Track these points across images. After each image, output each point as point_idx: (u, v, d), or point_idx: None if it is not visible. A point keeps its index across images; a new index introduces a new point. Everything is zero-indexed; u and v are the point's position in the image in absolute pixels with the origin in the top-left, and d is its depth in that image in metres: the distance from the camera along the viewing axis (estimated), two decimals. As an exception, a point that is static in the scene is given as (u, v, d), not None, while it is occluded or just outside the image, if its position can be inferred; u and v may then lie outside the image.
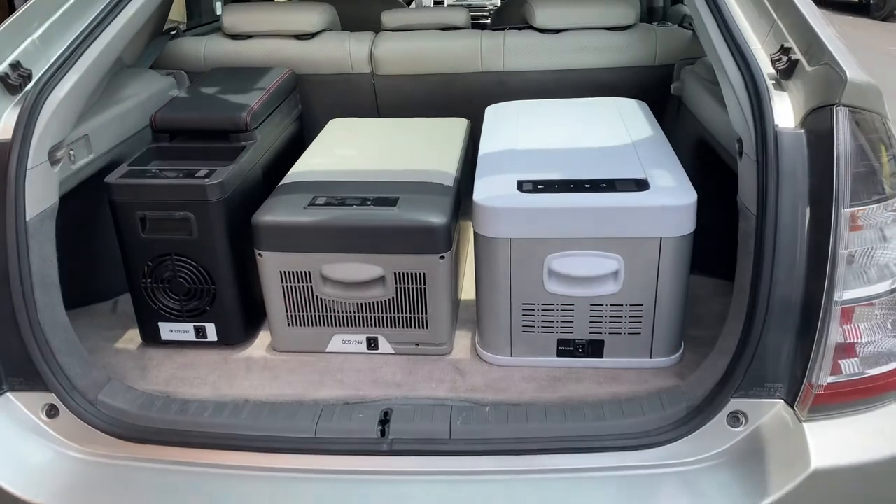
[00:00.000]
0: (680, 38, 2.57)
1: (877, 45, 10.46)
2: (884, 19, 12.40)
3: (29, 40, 1.70)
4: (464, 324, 2.00)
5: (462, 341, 1.93)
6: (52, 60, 1.69)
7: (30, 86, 1.64)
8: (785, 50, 1.53)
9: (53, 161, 1.68)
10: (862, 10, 12.92)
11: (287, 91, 2.39)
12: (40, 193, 1.62)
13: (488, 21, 3.95)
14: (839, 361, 1.43)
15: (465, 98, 2.61)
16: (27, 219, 1.57)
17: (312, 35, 2.66)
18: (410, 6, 4.47)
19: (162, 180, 1.79)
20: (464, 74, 2.61)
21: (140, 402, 1.66)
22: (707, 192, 1.68)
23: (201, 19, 4.12)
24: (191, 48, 2.68)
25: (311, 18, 2.64)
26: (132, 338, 1.99)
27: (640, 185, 1.70)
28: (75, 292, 1.71)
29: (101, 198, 2.07)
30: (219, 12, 3.96)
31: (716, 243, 1.94)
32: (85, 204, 2.04)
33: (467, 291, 2.14)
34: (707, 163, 2.07)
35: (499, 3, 5.02)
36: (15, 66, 1.64)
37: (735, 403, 1.49)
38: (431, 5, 4.94)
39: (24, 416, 1.61)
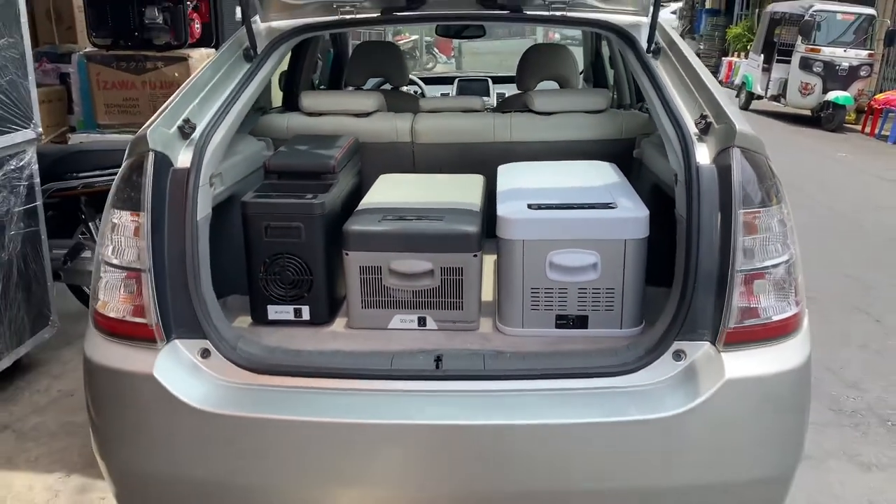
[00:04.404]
0: (639, 119, 3.47)
1: (827, 152, 11.89)
2: (833, 130, 13.88)
3: (192, 104, 2.51)
4: (485, 310, 2.73)
5: (485, 321, 2.65)
6: (205, 120, 2.49)
7: (196, 134, 2.43)
8: (703, 117, 2.36)
9: (210, 185, 2.45)
10: (815, 122, 14.42)
11: (353, 152, 3.21)
12: (203, 204, 2.37)
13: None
14: (742, 314, 2.18)
15: (481, 161, 3.44)
16: (197, 219, 2.32)
17: (368, 114, 3.53)
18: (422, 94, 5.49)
19: (282, 200, 2.56)
20: (481, 143, 3.48)
21: (267, 349, 2.35)
22: (658, 221, 2.46)
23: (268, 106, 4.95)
24: (277, 121, 3.54)
25: (368, 102, 3.53)
26: (244, 321, 2.70)
27: (610, 206, 2.50)
28: None
29: (221, 221, 2.82)
30: (275, 104, 4.83)
31: (665, 260, 2.71)
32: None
33: (485, 293, 2.87)
34: (658, 202, 2.87)
35: (494, 104, 6.02)
36: (187, 121, 2.44)
37: (677, 345, 2.18)
38: (438, 95, 6.00)
39: (185, 358, 2.28)
